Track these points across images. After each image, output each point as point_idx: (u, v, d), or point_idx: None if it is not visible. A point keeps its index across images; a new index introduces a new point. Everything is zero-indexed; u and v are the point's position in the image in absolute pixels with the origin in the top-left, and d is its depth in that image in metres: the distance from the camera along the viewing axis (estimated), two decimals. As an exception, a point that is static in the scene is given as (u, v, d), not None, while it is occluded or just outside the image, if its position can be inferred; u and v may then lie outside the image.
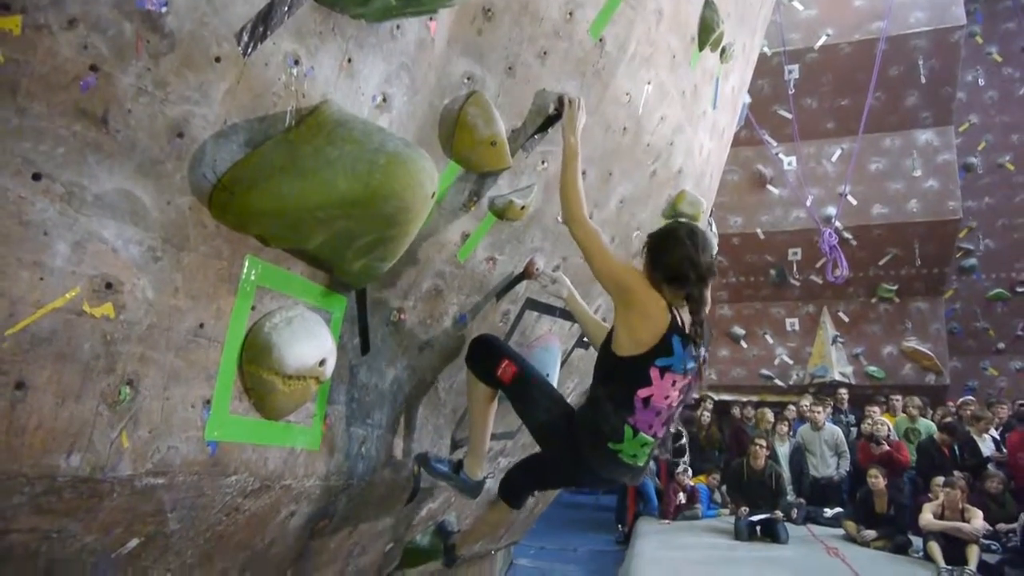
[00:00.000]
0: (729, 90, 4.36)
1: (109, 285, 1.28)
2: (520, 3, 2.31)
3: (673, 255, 2.19)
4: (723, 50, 3.85)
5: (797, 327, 10.41)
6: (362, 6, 1.69)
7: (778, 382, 10.29)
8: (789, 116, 9.65)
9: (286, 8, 1.55)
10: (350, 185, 1.58)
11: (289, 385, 1.75)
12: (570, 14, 2.54)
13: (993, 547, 6.32)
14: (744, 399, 9.87)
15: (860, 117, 9.21)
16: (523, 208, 2.72)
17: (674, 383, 2.21)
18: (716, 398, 9.68)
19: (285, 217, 1.60)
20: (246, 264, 1.65)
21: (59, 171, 1.17)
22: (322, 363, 1.83)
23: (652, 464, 9.02)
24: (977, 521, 6.00)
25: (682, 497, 7.89)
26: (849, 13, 9.67)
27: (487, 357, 2.53)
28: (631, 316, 2.20)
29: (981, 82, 11.86)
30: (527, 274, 3.02)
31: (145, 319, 1.37)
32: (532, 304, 3.25)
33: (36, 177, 1.14)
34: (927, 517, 6.16)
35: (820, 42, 9.61)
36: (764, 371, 10.33)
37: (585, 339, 3.96)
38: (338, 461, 2.19)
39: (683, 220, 2.61)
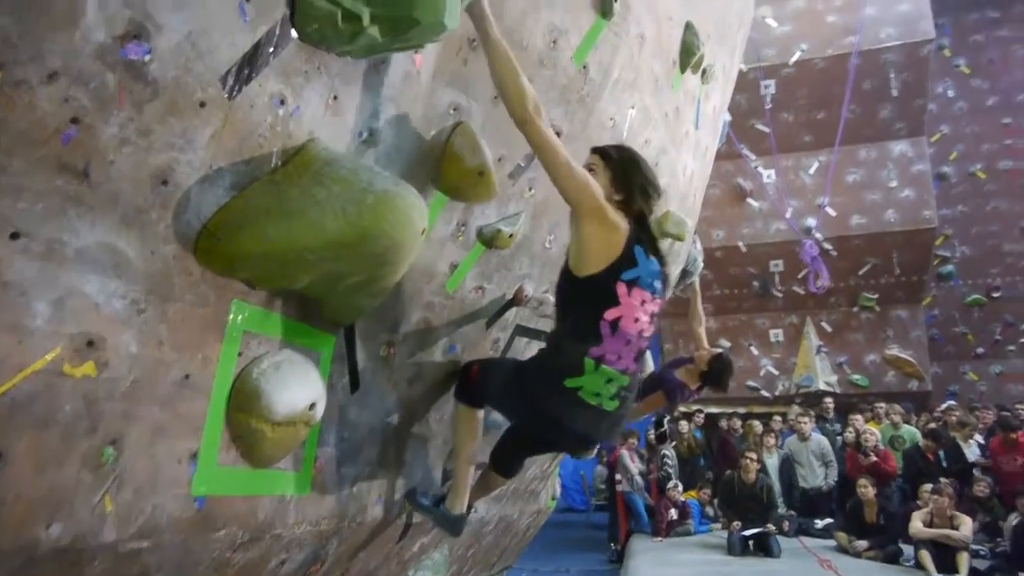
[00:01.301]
0: (710, 110, 4.40)
1: (91, 342, 1.23)
2: (504, 32, 2.30)
3: (648, 173, 2.20)
4: (704, 71, 3.89)
5: (781, 338, 10.51)
6: (348, 44, 1.66)
7: (764, 393, 10.35)
8: (767, 130, 9.82)
9: (271, 49, 1.52)
10: (339, 226, 1.54)
11: (279, 432, 1.69)
12: (554, 42, 2.55)
13: (982, 552, 6.37)
14: (731, 411, 9.90)
15: (836, 130, 9.41)
16: (511, 236, 2.70)
17: (643, 303, 2.07)
18: (705, 411, 9.70)
19: (272, 260, 1.56)
20: (232, 309, 1.60)
21: (38, 228, 1.12)
22: (312, 407, 1.78)
23: (640, 480, 8.88)
24: (966, 528, 6.05)
25: (674, 513, 7.86)
26: (822, 29, 9.89)
27: (462, 372, 2.57)
28: (594, 227, 2.02)
29: (951, 94, 12.18)
30: (517, 301, 3.00)
31: (129, 375, 1.31)
32: (522, 330, 3.22)
33: (14, 236, 1.09)
34: (917, 525, 6.20)
35: (795, 57, 9.80)
36: (750, 382, 10.38)
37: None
38: (329, 504, 2.13)
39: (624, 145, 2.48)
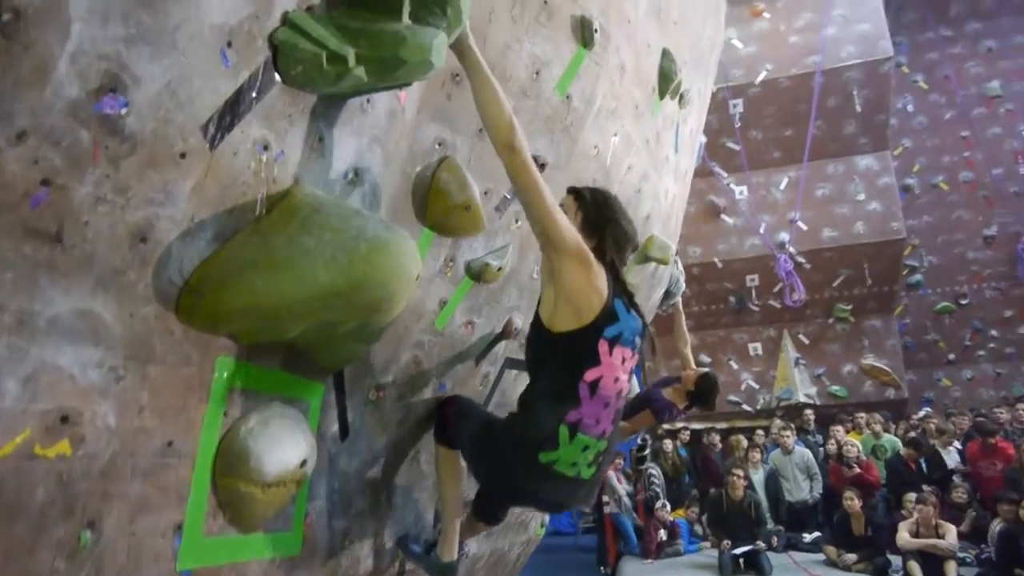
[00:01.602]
0: (688, 133, 4.44)
1: (65, 418, 1.13)
2: (487, 65, 2.27)
3: (623, 220, 2.03)
4: (681, 96, 3.92)
5: (760, 351, 10.60)
6: (333, 85, 1.61)
7: (746, 407, 10.41)
8: (737, 148, 10.00)
9: (254, 94, 1.46)
10: (331, 277, 1.47)
11: (269, 493, 1.60)
12: (537, 73, 2.53)
13: (968, 560, 6.42)
14: (713, 426, 9.92)
15: (803, 146, 9.63)
16: (499, 269, 2.66)
17: (623, 361, 1.91)
18: (690, 428, 9.70)
19: (260, 314, 1.48)
20: (217, 367, 1.51)
21: (7, 300, 1.03)
22: (303, 463, 1.69)
23: (628, 501, 8.80)
24: (951, 536, 6.11)
25: (663, 533, 7.78)
26: (785, 49, 10.16)
27: (438, 413, 2.48)
28: (577, 273, 1.83)
29: (910, 108, 12.61)
30: (506, 334, 2.94)
31: (107, 449, 1.21)
32: (512, 363, 3.16)
33: (-21, 311, 1.00)
34: (904, 536, 6.24)
35: (761, 77, 10.04)
36: (732, 397, 10.43)
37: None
38: (320, 562, 2.02)
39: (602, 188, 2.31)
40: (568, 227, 1.84)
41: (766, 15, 10.34)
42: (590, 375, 1.84)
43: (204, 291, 1.39)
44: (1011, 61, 12.27)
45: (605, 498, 8.35)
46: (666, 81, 3.55)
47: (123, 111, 1.13)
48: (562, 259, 1.83)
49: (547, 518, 6.12)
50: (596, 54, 2.77)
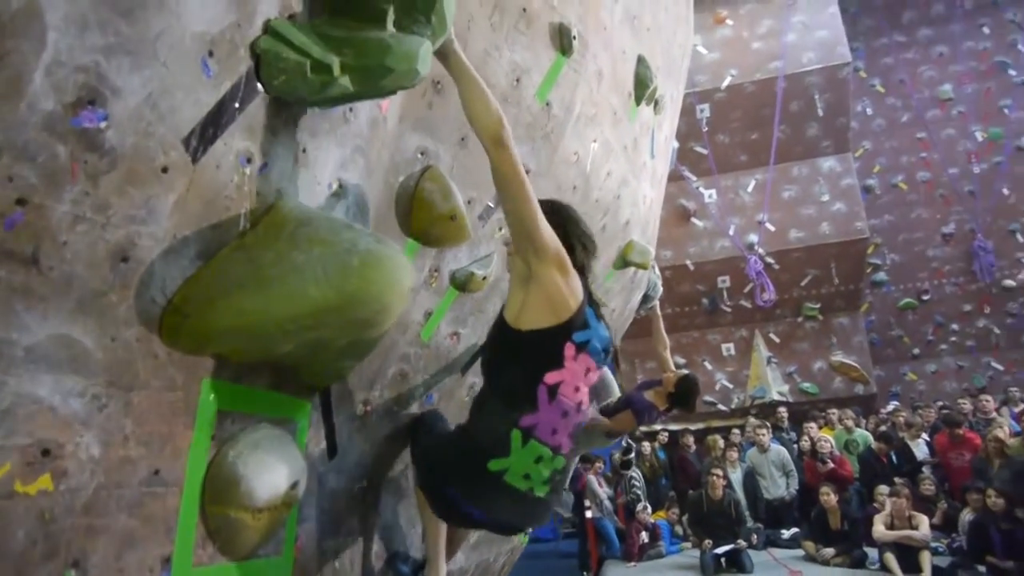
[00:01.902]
0: (663, 139, 4.49)
1: (46, 452, 1.06)
2: (469, 72, 2.25)
3: (583, 225, 2.00)
4: (656, 102, 3.96)
5: (733, 351, 10.76)
6: (318, 94, 1.56)
7: (721, 407, 10.54)
8: (705, 152, 10.16)
9: (236, 105, 1.41)
10: (323, 293, 1.42)
11: (260, 519, 1.53)
12: (517, 80, 2.52)
13: (940, 550, 6.59)
14: (691, 427, 10.01)
15: (769, 149, 9.84)
16: (484, 279, 2.63)
17: (587, 372, 1.83)
18: (668, 430, 9.77)
19: (249, 333, 1.42)
20: (203, 389, 1.45)
21: (-20, 329, 0.97)
22: (294, 486, 1.63)
23: (609, 505, 8.76)
24: (924, 527, 6.26)
25: (644, 536, 7.81)
26: (748, 55, 10.40)
27: (412, 430, 2.43)
28: (556, 276, 1.77)
29: (869, 111, 13.01)
30: (491, 344, 2.91)
31: (91, 482, 1.14)
32: (497, 372, 3.13)
33: (-48, 342, 0.93)
34: (879, 529, 6.36)
35: (726, 82, 10.24)
36: (707, 398, 10.55)
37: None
38: (313, 586, 1.96)
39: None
40: (550, 231, 1.79)
41: (729, 22, 10.57)
42: (551, 378, 1.76)
43: (189, 311, 1.33)
44: (961, 65, 12.77)
45: (587, 502, 8.35)
46: (642, 87, 3.58)
47: (102, 125, 1.08)
48: (543, 263, 1.78)
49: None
50: (574, 61, 2.77)
